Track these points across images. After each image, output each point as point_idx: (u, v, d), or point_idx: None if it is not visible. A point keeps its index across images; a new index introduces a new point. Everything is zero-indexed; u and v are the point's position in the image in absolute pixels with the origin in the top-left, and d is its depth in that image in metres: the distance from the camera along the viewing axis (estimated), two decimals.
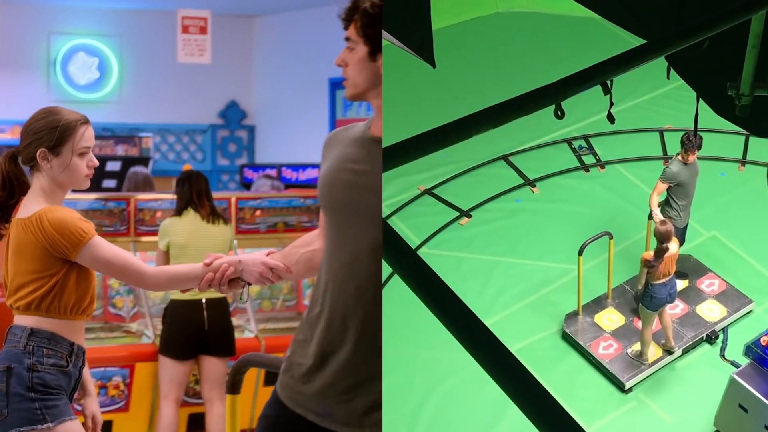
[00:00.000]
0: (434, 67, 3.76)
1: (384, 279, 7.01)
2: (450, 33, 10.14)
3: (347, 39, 2.69)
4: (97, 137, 3.64)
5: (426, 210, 8.35)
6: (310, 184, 10.97)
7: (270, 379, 6.28)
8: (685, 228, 7.10)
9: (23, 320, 3.36)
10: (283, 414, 2.78)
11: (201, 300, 6.11)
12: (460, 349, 1.98)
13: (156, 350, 6.26)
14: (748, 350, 5.93)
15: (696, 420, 6.38)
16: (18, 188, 3.44)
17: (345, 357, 2.68)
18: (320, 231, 2.93)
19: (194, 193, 6.27)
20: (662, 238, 6.28)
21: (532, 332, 7.09)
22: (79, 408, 3.66)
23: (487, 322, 2.13)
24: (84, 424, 3.54)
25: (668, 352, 6.77)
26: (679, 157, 6.88)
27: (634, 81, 8.53)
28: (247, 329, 6.79)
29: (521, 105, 2.83)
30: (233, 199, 7.22)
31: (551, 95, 2.90)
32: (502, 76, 9.59)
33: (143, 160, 11.60)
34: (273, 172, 11.16)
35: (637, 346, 6.75)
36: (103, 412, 3.84)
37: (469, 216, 8.29)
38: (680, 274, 7.34)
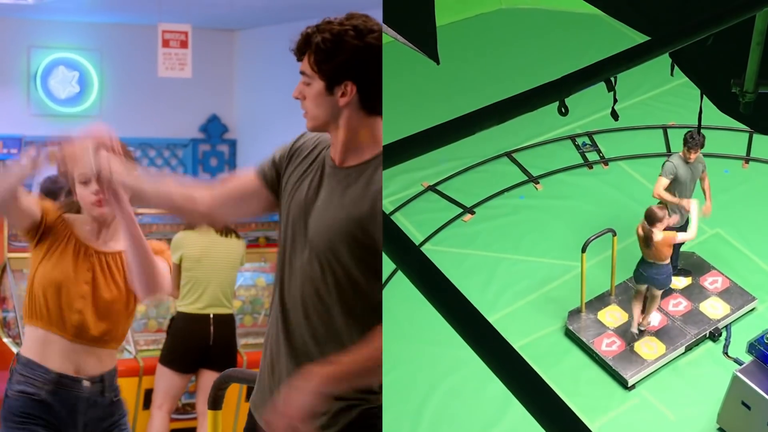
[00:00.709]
0: (438, 63, 3.75)
1: (387, 275, 7.04)
2: (453, 29, 10.14)
3: (302, 73, 2.57)
4: None
5: (429, 207, 8.36)
6: None
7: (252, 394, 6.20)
8: (683, 227, 7.07)
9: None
10: (256, 429, 2.78)
11: (209, 315, 6.08)
12: (463, 345, 1.98)
13: (137, 365, 6.17)
14: (752, 347, 5.93)
15: (699, 417, 6.38)
16: None
17: (284, 368, 2.67)
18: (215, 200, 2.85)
19: None
20: (649, 219, 6.37)
21: (535, 329, 7.09)
22: None
23: (491, 319, 2.13)
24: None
25: (639, 331, 6.84)
26: (681, 154, 6.87)
27: (637, 78, 8.52)
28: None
29: (525, 102, 2.83)
30: None
31: (555, 92, 2.89)
32: (506, 72, 9.60)
33: None
34: None
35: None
36: None
37: (473, 213, 8.29)
38: (683, 272, 7.35)
